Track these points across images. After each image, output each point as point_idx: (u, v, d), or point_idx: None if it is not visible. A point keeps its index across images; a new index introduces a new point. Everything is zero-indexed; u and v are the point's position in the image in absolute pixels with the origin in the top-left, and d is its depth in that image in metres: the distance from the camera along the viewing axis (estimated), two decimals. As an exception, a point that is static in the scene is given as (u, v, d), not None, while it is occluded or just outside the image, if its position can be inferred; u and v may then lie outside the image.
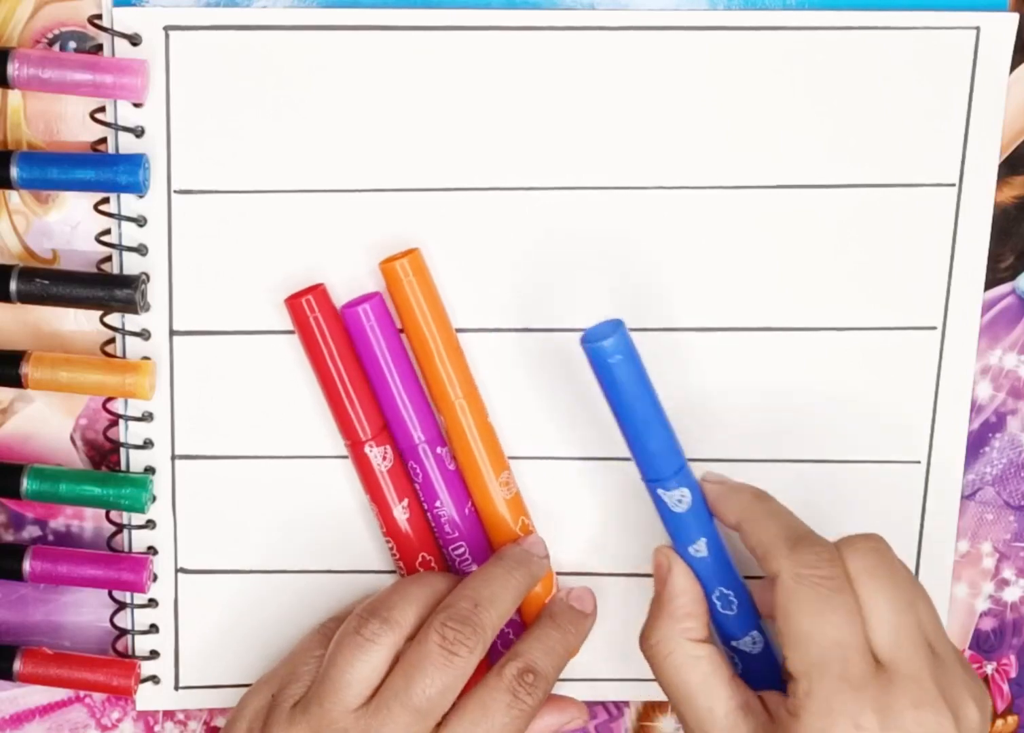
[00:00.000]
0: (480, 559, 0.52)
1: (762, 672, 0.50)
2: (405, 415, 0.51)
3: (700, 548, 0.49)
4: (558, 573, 0.54)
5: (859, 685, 0.44)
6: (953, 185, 0.52)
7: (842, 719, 0.44)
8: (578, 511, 0.54)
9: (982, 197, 0.53)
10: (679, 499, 0.49)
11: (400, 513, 0.52)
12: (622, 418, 0.48)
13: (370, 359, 0.51)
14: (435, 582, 0.51)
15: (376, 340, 0.50)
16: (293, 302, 0.50)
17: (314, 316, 0.50)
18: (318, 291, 0.50)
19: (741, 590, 0.50)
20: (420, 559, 0.52)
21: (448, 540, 0.52)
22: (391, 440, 0.52)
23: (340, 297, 0.52)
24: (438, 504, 0.52)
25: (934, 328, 0.54)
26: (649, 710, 0.57)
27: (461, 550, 0.52)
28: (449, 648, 0.48)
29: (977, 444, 0.56)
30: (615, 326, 0.47)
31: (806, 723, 0.44)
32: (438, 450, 0.52)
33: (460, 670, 0.48)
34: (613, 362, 0.46)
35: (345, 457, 0.53)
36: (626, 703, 0.57)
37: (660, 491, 0.49)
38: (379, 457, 0.51)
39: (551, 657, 0.50)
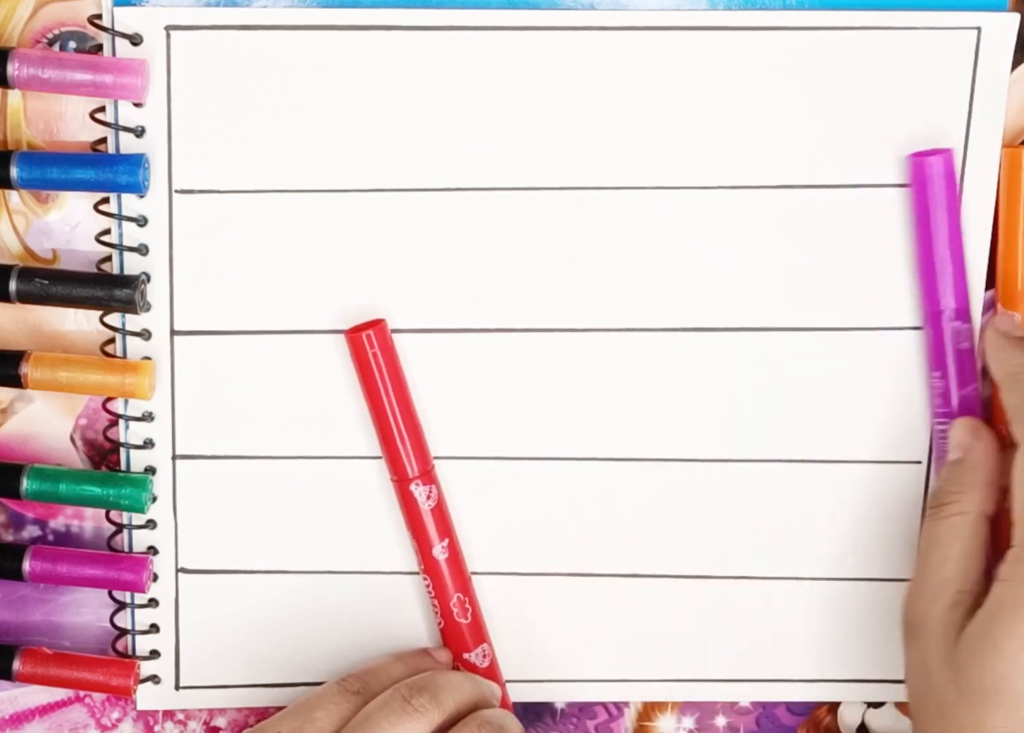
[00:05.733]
0: None
1: None
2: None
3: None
4: (562, 574, 0.55)
5: None
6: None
7: None
8: (577, 513, 0.54)
9: (983, 197, 0.53)
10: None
11: (439, 553, 0.53)
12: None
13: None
14: (480, 684, 0.52)
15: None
16: (353, 336, 0.51)
17: (373, 352, 0.51)
18: (379, 327, 0.51)
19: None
20: (455, 599, 0.53)
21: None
22: (436, 480, 0.52)
23: (340, 297, 0.52)
24: None
25: (934, 328, 0.54)
26: (649, 710, 0.57)
27: None
28: None
29: (977, 444, 0.55)
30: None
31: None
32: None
33: None
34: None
35: (345, 457, 0.53)
36: (626, 703, 0.57)
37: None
38: (424, 495, 0.52)
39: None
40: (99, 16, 0.49)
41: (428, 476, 0.52)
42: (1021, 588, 0.46)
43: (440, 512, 0.52)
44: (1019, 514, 0.47)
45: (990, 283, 0.54)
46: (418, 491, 0.52)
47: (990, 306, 0.54)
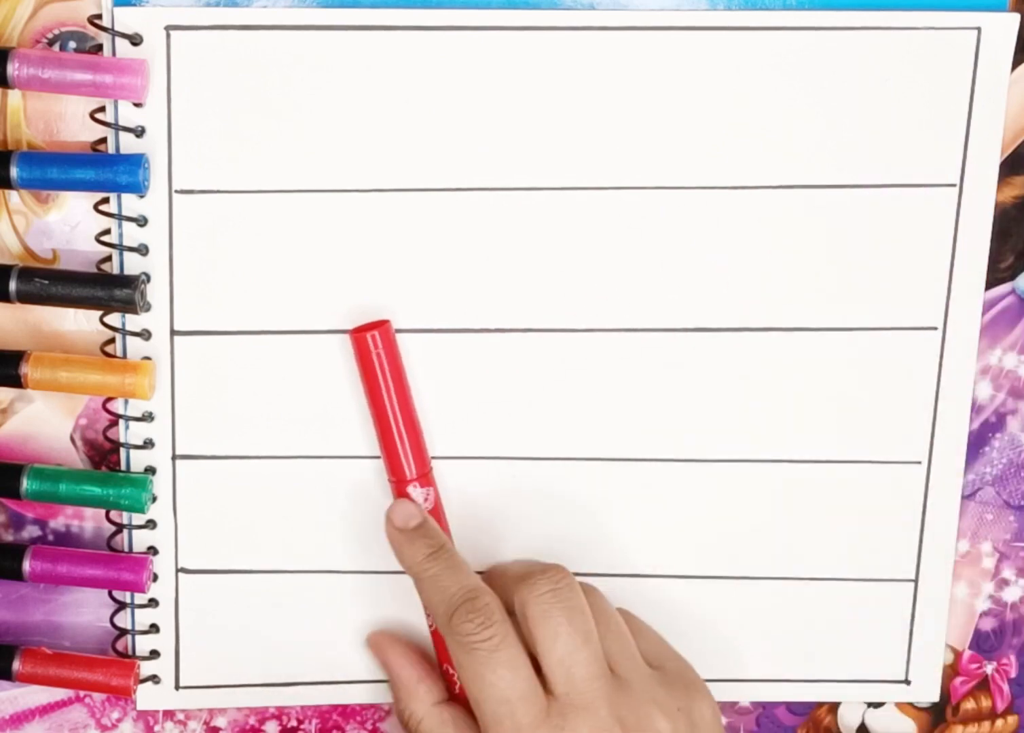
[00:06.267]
0: None
1: None
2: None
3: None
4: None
5: (529, 728, 0.47)
6: (954, 185, 0.52)
7: None
8: (577, 513, 0.54)
9: (983, 197, 0.53)
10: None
11: None
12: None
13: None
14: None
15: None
16: (358, 336, 0.51)
17: (377, 352, 0.51)
18: (383, 328, 0.51)
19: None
20: None
21: None
22: (434, 482, 0.52)
23: (340, 298, 0.52)
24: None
25: (934, 328, 0.54)
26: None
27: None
28: None
29: (977, 444, 0.56)
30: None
31: None
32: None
33: None
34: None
35: (345, 457, 0.53)
36: (626, 703, 0.57)
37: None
38: (421, 498, 0.52)
39: None
40: (99, 16, 0.49)
41: (426, 478, 0.52)
42: None
43: (436, 515, 0.52)
44: (471, 701, 0.49)
45: (989, 283, 0.54)
46: (415, 493, 0.52)
47: (989, 307, 0.54)
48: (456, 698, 0.52)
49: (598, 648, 0.49)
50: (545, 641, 0.48)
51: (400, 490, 0.52)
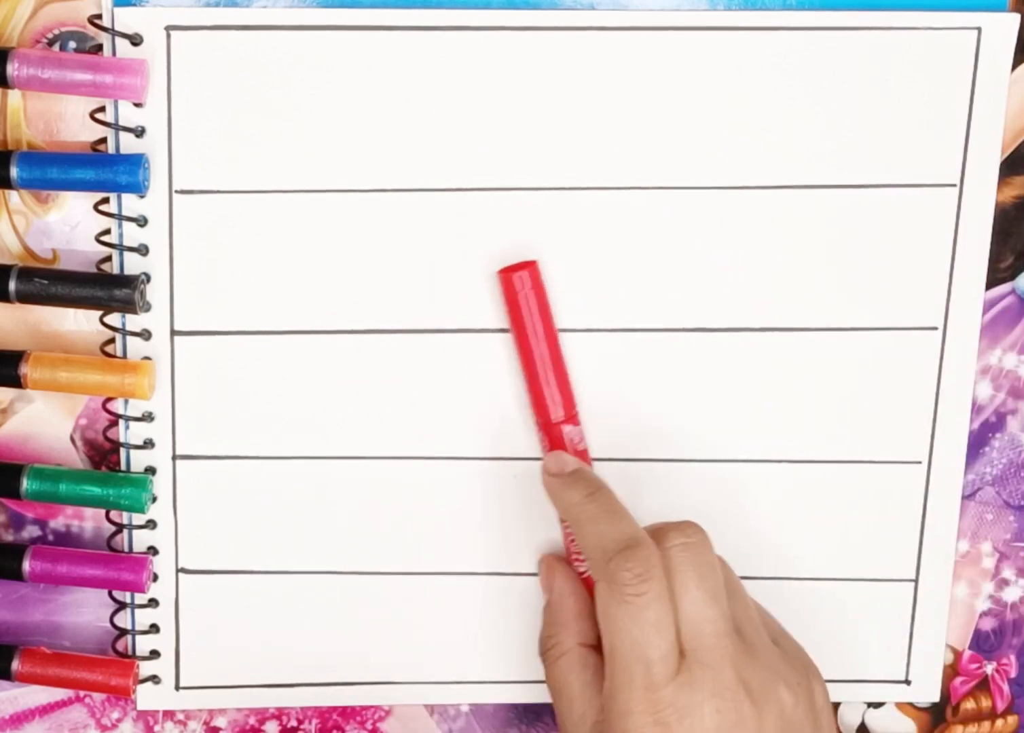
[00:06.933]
0: None
1: None
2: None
3: None
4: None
5: (660, 686, 0.46)
6: (954, 185, 0.52)
7: (643, 718, 0.46)
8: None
9: (983, 197, 0.53)
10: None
11: None
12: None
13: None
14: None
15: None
16: (505, 276, 0.50)
17: (524, 292, 0.50)
18: (531, 268, 0.51)
19: None
20: None
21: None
22: (576, 422, 0.52)
23: (340, 297, 0.52)
24: None
25: (934, 328, 0.54)
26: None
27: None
28: None
29: (977, 444, 0.56)
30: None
31: (613, 724, 0.47)
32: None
33: None
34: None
35: (345, 457, 0.53)
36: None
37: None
38: (576, 436, 0.51)
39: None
40: (99, 16, 0.49)
41: (575, 419, 0.52)
42: (615, 725, 0.47)
43: (585, 457, 0.52)
44: (606, 648, 0.47)
45: (989, 283, 0.54)
46: (569, 431, 0.51)
47: (989, 307, 0.54)
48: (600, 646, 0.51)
49: (725, 607, 0.47)
50: (676, 597, 0.47)
51: (549, 432, 0.51)
